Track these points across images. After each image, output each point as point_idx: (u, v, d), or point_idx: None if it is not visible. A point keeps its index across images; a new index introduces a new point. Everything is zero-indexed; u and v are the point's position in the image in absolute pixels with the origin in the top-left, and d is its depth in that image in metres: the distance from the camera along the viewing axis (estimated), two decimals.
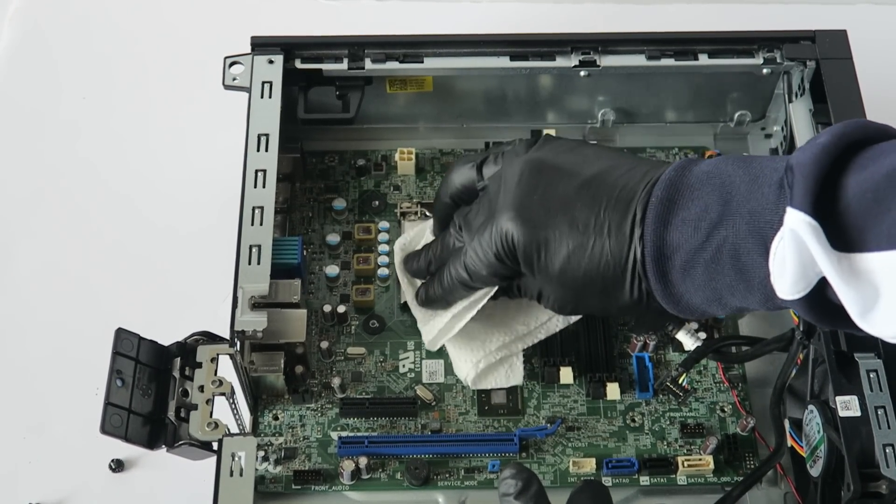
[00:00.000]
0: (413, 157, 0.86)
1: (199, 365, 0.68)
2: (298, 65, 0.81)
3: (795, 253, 0.55)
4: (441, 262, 0.74)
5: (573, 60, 0.82)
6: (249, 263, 0.70)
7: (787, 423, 0.72)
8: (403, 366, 0.78)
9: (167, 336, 0.69)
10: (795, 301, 0.56)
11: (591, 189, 0.64)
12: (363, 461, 0.72)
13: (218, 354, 0.69)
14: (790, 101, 0.82)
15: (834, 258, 0.53)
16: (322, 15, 1.02)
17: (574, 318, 0.76)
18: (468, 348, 0.75)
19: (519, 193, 0.66)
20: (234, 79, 0.80)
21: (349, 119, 0.82)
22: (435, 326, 0.75)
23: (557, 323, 0.76)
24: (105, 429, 0.63)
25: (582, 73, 0.82)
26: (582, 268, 0.64)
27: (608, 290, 0.64)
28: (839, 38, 0.82)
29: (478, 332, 0.75)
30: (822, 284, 0.55)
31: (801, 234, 0.54)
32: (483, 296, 0.72)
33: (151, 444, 0.66)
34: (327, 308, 0.79)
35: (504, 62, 0.82)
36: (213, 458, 0.65)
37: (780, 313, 0.79)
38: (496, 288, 0.71)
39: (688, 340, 0.78)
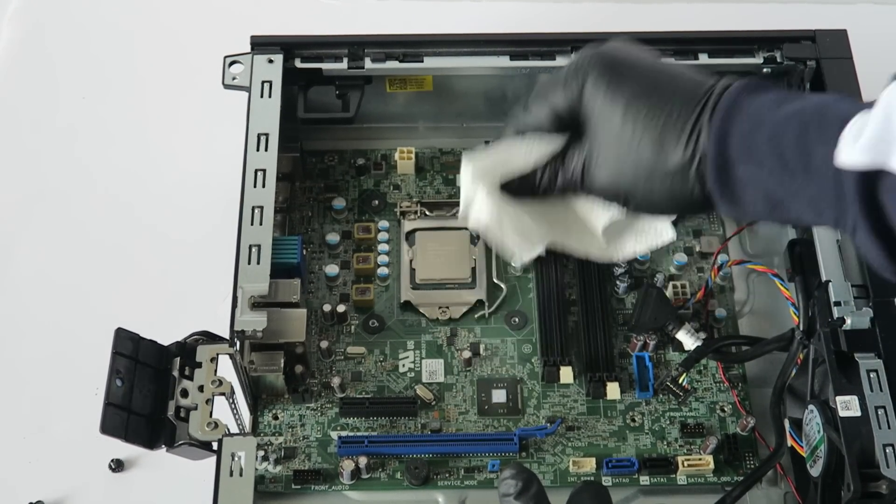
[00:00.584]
0: (413, 156, 0.86)
1: (199, 365, 0.68)
2: (298, 64, 0.81)
3: (881, 121, 0.51)
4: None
5: None
6: (249, 263, 0.70)
7: (787, 423, 0.72)
8: (403, 365, 0.78)
9: (167, 336, 0.69)
10: (852, 175, 0.53)
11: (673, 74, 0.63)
12: (363, 461, 0.72)
13: (218, 354, 0.69)
14: None
15: None
16: (322, 14, 1.02)
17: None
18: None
19: (608, 49, 0.65)
20: (234, 78, 0.80)
21: (349, 118, 0.82)
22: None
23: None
24: (105, 429, 0.63)
25: None
26: (645, 132, 0.62)
27: (667, 172, 0.61)
28: (839, 38, 0.82)
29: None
30: (884, 188, 0.52)
31: (894, 105, 0.50)
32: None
33: (151, 443, 0.66)
34: (327, 307, 0.79)
35: (504, 62, 0.82)
36: (213, 458, 0.66)
37: (778, 312, 0.80)
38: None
39: (688, 340, 0.78)
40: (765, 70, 0.82)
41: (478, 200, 0.65)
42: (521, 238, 0.66)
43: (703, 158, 0.60)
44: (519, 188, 0.67)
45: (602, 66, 0.65)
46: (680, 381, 0.76)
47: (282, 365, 0.73)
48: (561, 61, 0.82)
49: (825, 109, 0.56)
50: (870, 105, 0.53)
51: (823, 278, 0.74)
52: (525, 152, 0.67)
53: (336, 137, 0.87)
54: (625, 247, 0.69)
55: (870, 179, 0.53)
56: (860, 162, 0.53)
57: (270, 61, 0.80)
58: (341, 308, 0.79)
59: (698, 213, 0.76)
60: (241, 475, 0.64)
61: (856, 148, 0.53)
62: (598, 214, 0.67)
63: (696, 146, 0.60)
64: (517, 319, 0.80)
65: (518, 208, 0.66)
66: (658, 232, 0.69)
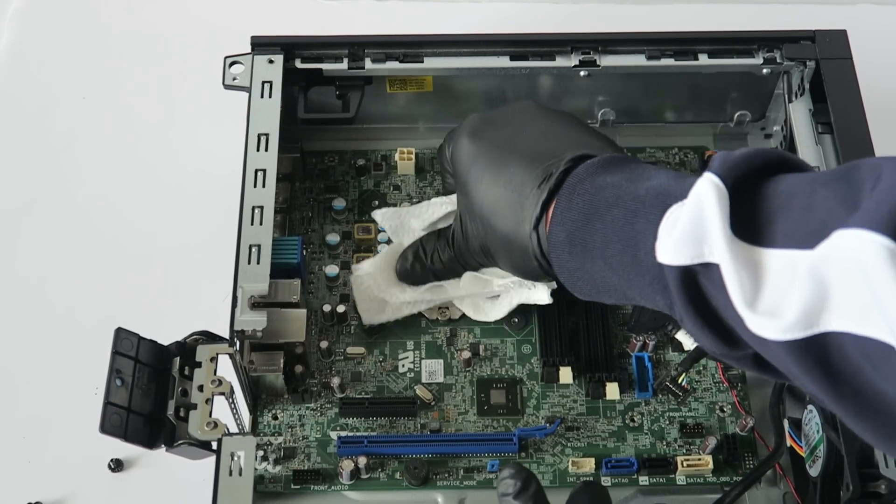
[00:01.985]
0: (413, 156, 0.86)
1: (199, 364, 0.68)
2: (298, 64, 0.81)
3: (693, 215, 0.52)
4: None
5: (573, 60, 0.82)
6: (249, 263, 0.70)
7: (786, 423, 0.72)
8: (403, 365, 0.78)
9: (167, 335, 0.69)
10: (671, 270, 0.53)
11: (533, 147, 0.66)
12: (362, 461, 0.72)
13: (217, 354, 0.69)
14: (790, 101, 0.82)
15: (729, 235, 0.51)
16: (322, 15, 1.02)
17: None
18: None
19: (478, 120, 0.72)
20: (234, 78, 0.80)
21: (349, 119, 0.82)
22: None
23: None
24: (104, 428, 0.63)
25: (582, 73, 0.82)
26: (498, 212, 0.66)
27: (515, 245, 0.65)
28: (839, 38, 0.82)
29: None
30: (703, 278, 0.53)
31: (705, 199, 0.52)
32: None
33: (151, 443, 0.66)
34: (327, 308, 0.79)
35: (504, 62, 0.82)
36: (213, 458, 0.66)
37: None
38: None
39: (688, 340, 0.78)
40: (764, 71, 0.82)
41: (367, 264, 0.79)
42: (376, 305, 0.78)
43: (542, 236, 0.63)
44: (412, 273, 0.77)
45: (466, 130, 0.71)
46: (679, 381, 0.76)
47: (281, 365, 0.73)
48: (561, 61, 0.82)
49: (655, 197, 0.56)
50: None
51: None
52: (424, 209, 0.79)
53: (336, 138, 0.87)
54: (501, 307, 0.78)
55: (688, 270, 0.53)
56: (674, 259, 0.53)
57: (271, 62, 0.80)
58: (341, 308, 0.79)
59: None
60: (240, 475, 0.64)
61: (670, 243, 0.53)
62: (482, 281, 0.76)
63: (533, 224, 0.63)
64: (517, 320, 0.80)
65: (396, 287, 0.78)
66: (537, 295, 0.76)
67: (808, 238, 0.49)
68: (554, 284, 0.75)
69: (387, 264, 0.78)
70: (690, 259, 0.53)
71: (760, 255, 0.51)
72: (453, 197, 0.77)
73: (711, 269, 0.52)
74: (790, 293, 0.49)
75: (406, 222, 0.80)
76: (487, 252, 0.70)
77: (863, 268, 0.45)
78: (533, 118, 0.71)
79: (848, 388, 0.48)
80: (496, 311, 0.78)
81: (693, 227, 0.52)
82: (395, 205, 0.84)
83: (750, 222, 0.52)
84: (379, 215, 0.81)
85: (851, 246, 0.46)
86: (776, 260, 0.50)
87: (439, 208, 0.79)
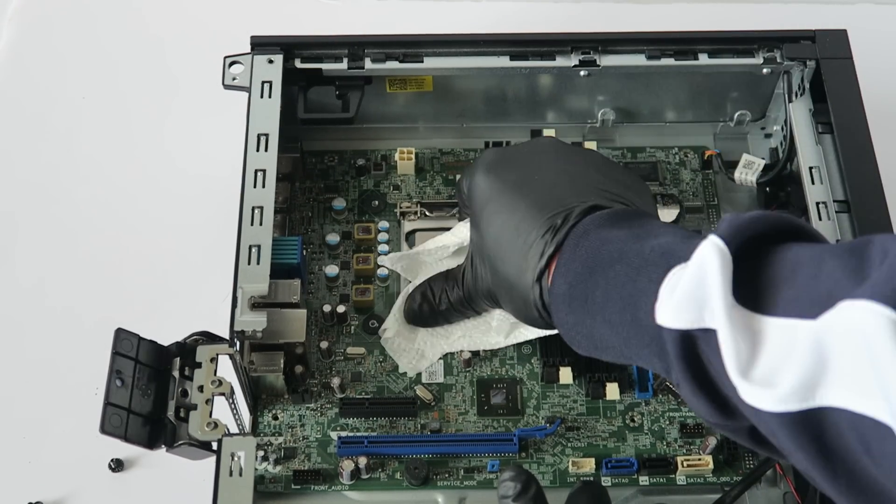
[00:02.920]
0: (413, 156, 0.85)
1: (199, 365, 0.68)
2: (298, 64, 0.81)
3: (695, 278, 0.51)
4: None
5: (573, 60, 0.82)
6: (249, 263, 0.70)
7: None
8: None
9: (167, 336, 0.69)
10: (670, 333, 0.52)
11: (544, 192, 0.65)
12: (363, 461, 0.72)
13: (217, 354, 0.69)
14: (790, 100, 0.82)
15: (730, 301, 0.50)
16: (322, 14, 1.02)
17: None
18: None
19: (495, 156, 0.70)
20: (234, 78, 0.80)
21: (349, 119, 0.82)
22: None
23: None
24: (105, 429, 0.63)
25: (582, 73, 0.82)
26: (504, 257, 0.65)
27: (517, 293, 0.65)
28: (839, 38, 0.82)
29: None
30: (702, 343, 0.51)
31: (708, 262, 0.50)
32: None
33: (151, 443, 0.66)
34: (327, 308, 0.79)
35: (504, 62, 0.82)
36: (213, 458, 0.66)
37: None
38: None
39: None
40: (765, 70, 0.82)
41: (389, 319, 0.78)
42: (416, 356, 0.77)
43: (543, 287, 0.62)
44: (419, 315, 0.76)
45: (482, 166, 0.69)
46: None
47: (282, 365, 0.73)
48: (561, 61, 0.82)
49: (660, 256, 0.55)
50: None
51: None
52: (434, 247, 0.79)
53: (336, 138, 0.87)
54: (517, 337, 0.77)
55: (687, 335, 0.52)
56: (674, 322, 0.52)
57: (270, 61, 0.80)
58: (341, 308, 0.79)
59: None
60: (240, 475, 0.64)
61: (670, 305, 0.52)
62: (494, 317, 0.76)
63: (536, 275, 0.62)
64: None
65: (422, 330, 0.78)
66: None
67: (812, 308, 0.47)
68: None
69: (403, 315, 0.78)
70: (690, 323, 0.51)
71: (761, 322, 0.49)
72: (460, 231, 0.77)
73: (710, 334, 0.51)
74: (788, 363, 0.47)
75: (417, 261, 0.79)
76: (493, 296, 0.69)
77: (866, 340, 0.44)
78: (550, 159, 0.69)
79: (842, 468, 0.47)
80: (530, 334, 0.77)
81: (694, 290, 0.51)
82: (394, 205, 0.84)
83: (753, 288, 0.50)
84: (388, 260, 0.80)
85: (856, 317, 0.44)
86: (777, 329, 0.49)
87: (448, 248, 0.78)
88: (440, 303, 0.75)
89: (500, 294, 0.68)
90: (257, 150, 0.75)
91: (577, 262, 0.59)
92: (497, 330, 0.76)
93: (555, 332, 0.67)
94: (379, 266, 0.81)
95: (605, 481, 0.73)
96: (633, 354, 0.57)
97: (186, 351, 0.69)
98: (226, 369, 0.69)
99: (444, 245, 0.78)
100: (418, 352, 0.77)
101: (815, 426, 0.47)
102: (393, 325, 0.78)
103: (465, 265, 0.72)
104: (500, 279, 0.66)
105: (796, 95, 0.82)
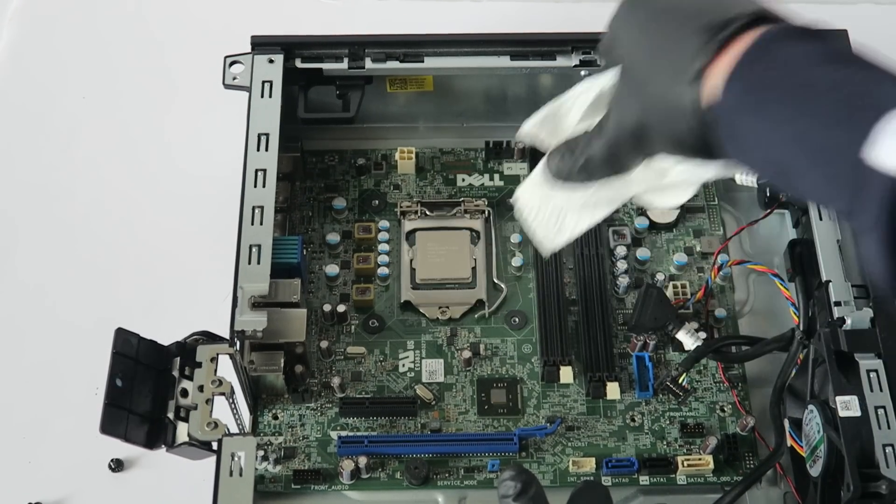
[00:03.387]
0: (413, 156, 0.86)
1: (199, 365, 0.68)
2: (299, 64, 0.81)
3: None
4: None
5: (574, 60, 0.82)
6: (249, 263, 0.70)
7: (786, 423, 0.72)
8: (403, 365, 0.78)
9: (167, 336, 0.69)
10: (886, 179, 0.47)
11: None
12: (363, 461, 0.72)
13: (218, 354, 0.69)
14: None
15: None
16: (322, 14, 1.02)
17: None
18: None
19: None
20: (235, 78, 0.80)
21: (349, 118, 0.82)
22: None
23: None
24: (105, 428, 0.63)
25: (582, 73, 0.82)
26: (654, 62, 0.58)
27: (672, 105, 0.57)
28: (839, 38, 0.82)
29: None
30: None
31: None
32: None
33: (151, 443, 0.66)
34: (327, 307, 0.79)
35: (504, 62, 0.82)
36: (213, 458, 0.66)
37: (779, 312, 0.80)
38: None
39: (688, 340, 0.78)
40: None
41: (526, 183, 0.67)
42: (554, 225, 0.67)
43: (713, 103, 0.54)
44: (560, 171, 0.65)
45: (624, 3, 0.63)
46: (680, 381, 0.76)
47: (282, 365, 0.73)
48: (561, 61, 0.82)
49: (868, 91, 0.50)
50: None
51: (824, 278, 0.74)
52: (572, 100, 0.67)
53: (336, 137, 0.87)
54: (687, 190, 0.66)
55: None
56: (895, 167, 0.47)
57: (271, 61, 0.80)
58: (341, 308, 0.79)
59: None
60: (240, 475, 0.64)
61: (893, 147, 0.47)
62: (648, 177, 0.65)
63: (703, 88, 0.54)
64: (517, 319, 0.80)
65: (562, 194, 0.66)
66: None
67: None
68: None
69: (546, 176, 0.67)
70: None
71: None
72: (596, 81, 0.67)
73: None
74: None
75: (560, 122, 0.69)
76: (639, 130, 0.61)
77: None
78: None
79: None
80: (681, 195, 0.67)
81: None
82: (394, 204, 0.84)
83: None
84: (528, 133, 0.69)
85: None
86: None
87: (588, 93, 0.68)
88: (582, 154, 0.65)
89: (649, 121, 0.59)
90: (258, 150, 0.75)
91: (756, 75, 0.53)
92: (641, 182, 0.66)
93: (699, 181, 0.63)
94: (379, 265, 0.81)
95: (606, 481, 0.73)
96: (808, 185, 0.52)
97: (186, 351, 0.69)
98: (226, 369, 0.69)
99: (586, 89, 0.68)
100: (558, 220, 0.68)
101: None
102: (528, 187, 0.68)
103: (609, 111, 0.64)
104: (649, 97, 0.58)
105: None
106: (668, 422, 0.76)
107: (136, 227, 0.88)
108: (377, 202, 0.85)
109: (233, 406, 0.69)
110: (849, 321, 0.71)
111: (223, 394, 0.68)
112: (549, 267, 0.80)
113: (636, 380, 0.77)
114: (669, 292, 0.80)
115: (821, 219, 0.76)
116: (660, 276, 0.81)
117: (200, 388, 0.67)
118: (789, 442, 0.72)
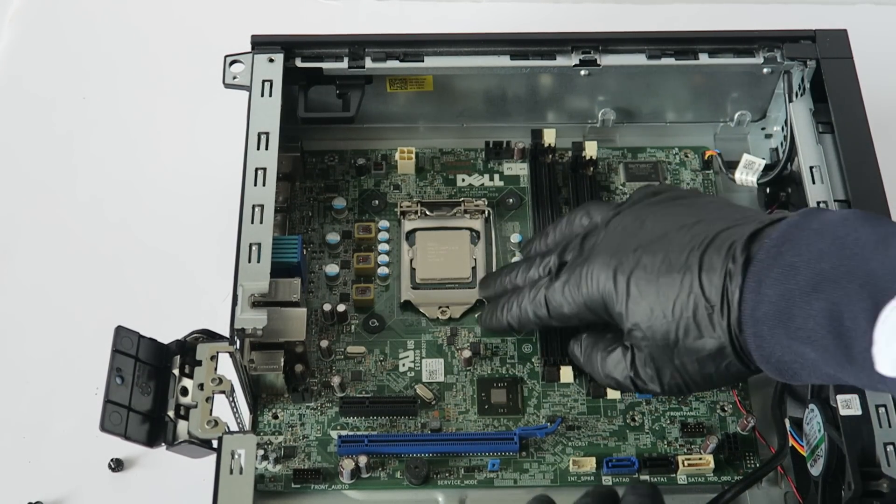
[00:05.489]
0: (413, 156, 0.85)
1: (199, 363, 0.68)
2: (299, 63, 0.81)
3: None
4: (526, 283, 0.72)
5: (573, 60, 0.82)
6: (249, 262, 0.70)
7: (787, 423, 0.72)
8: (403, 365, 0.78)
9: (167, 334, 0.69)
10: (891, 381, 0.49)
11: (691, 230, 0.62)
12: (363, 460, 0.72)
13: (218, 352, 0.68)
14: (790, 100, 0.82)
15: None
16: (322, 14, 1.02)
17: None
18: None
19: (618, 239, 0.66)
20: (235, 77, 0.80)
21: (349, 118, 0.82)
22: None
23: None
24: (105, 426, 0.63)
25: (582, 73, 0.82)
26: (670, 306, 0.61)
27: (692, 334, 0.61)
28: (839, 38, 0.82)
29: None
30: None
31: None
32: None
33: (151, 442, 0.66)
34: (327, 307, 0.78)
35: (504, 61, 0.82)
36: (213, 457, 0.65)
37: None
38: None
39: None
40: (765, 70, 0.82)
41: None
42: None
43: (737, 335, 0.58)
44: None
45: (644, 194, 0.66)
46: None
47: (282, 364, 0.73)
48: (561, 61, 0.82)
49: (862, 288, 0.51)
50: None
51: None
52: None
53: (336, 137, 0.87)
54: None
55: None
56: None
57: (271, 61, 0.80)
58: (341, 307, 0.79)
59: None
60: (241, 473, 0.64)
61: (891, 354, 0.49)
62: None
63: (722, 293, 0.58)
64: None
65: None
66: None
67: None
68: None
69: None
70: None
71: None
72: None
73: None
74: None
75: None
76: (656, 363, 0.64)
77: None
78: (659, 210, 0.66)
79: None
80: None
81: None
82: (394, 204, 0.84)
83: None
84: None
85: None
86: None
87: None
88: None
89: (654, 337, 0.62)
90: (258, 149, 0.75)
91: (780, 279, 0.55)
92: None
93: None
94: (379, 265, 0.81)
95: (606, 481, 0.73)
96: (843, 377, 0.55)
97: (187, 349, 0.69)
98: (226, 368, 0.69)
99: None
100: None
101: None
102: None
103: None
104: (659, 313, 0.61)
105: (797, 95, 0.82)
106: (668, 421, 0.76)
107: (136, 226, 0.88)
108: (377, 202, 0.85)
109: (233, 404, 0.69)
110: None
111: (223, 392, 0.68)
112: None
113: None
114: None
115: None
116: None
117: (200, 387, 0.67)
118: (790, 441, 0.72)
